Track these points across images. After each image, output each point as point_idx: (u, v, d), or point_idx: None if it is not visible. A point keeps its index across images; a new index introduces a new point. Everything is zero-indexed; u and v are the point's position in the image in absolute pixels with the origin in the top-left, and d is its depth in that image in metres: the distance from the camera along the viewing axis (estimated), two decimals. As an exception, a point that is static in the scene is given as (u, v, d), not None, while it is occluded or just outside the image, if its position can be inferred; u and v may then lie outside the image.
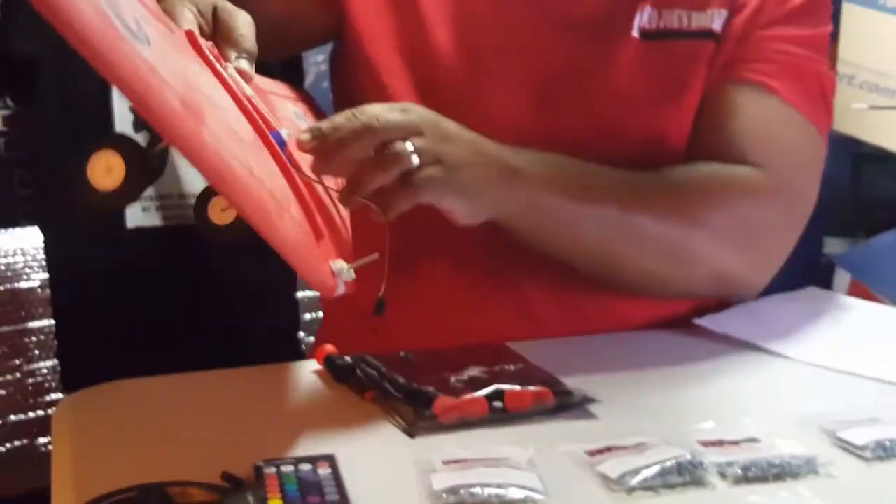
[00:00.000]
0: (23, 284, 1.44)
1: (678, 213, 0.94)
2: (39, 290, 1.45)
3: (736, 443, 0.71)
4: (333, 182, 0.78)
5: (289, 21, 1.07)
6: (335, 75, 1.12)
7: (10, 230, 1.45)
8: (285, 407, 0.77)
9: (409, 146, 0.78)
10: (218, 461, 0.64)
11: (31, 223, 1.47)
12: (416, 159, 0.78)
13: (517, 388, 0.76)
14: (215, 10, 0.84)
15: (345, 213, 0.81)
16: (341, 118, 0.78)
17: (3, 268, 1.42)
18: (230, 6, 0.85)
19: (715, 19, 0.97)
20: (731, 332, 0.95)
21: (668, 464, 0.66)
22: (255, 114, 0.71)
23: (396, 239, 1.06)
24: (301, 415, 0.75)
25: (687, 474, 0.66)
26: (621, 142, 0.97)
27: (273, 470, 0.64)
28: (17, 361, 1.44)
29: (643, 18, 0.97)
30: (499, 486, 0.62)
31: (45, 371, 1.47)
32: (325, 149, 0.76)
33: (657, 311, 1.01)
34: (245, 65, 0.79)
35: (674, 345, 0.95)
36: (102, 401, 0.78)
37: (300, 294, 1.59)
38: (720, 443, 0.71)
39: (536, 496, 0.62)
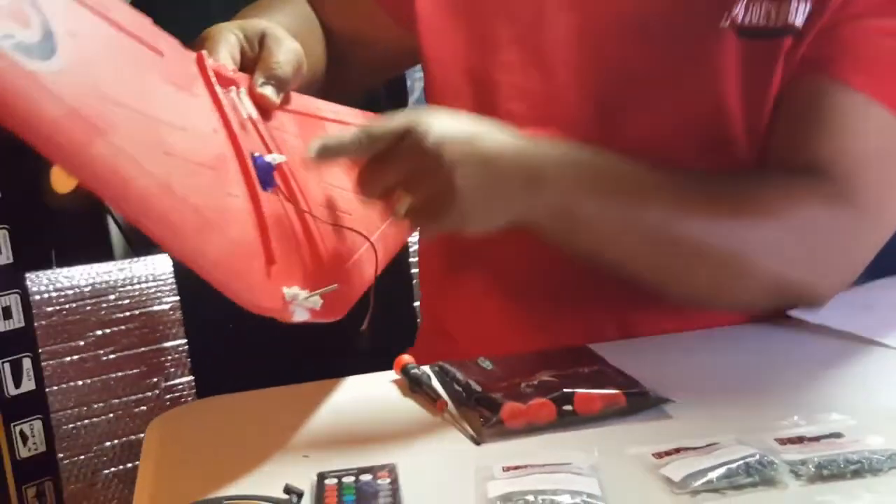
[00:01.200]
0: (156, 308, 1.51)
1: (732, 219, 0.86)
2: (171, 312, 1.53)
3: (817, 439, 0.68)
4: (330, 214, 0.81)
5: (373, 44, 1.09)
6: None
7: (144, 259, 1.53)
8: (359, 417, 0.78)
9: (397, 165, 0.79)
10: (290, 473, 0.66)
11: (161, 251, 1.54)
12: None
13: (587, 391, 0.75)
14: (263, 37, 0.86)
15: (349, 244, 0.83)
16: (348, 138, 0.79)
17: (139, 294, 1.49)
18: (280, 34, 0.86)
19: (798, 13, 0.88)
20: (829, 322, 0.90)
21: (736, 464, 0.64)
22: (239, 137, 0.74)
23: (441, 258, 1.07)
24: (373, 424, 0.76)
25: (756, 474, 0.63)
26: (693, 149, 0.91)
27: (334, 480, 0.65)
28: (156, 379, 1.52)
29: (736, 13, 0.89)
30: (553, 492, 0.62)
31: (181, 386, 1.54)
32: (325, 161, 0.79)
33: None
34: (269, 91, 0.82)
35: (765, 339, 0.91)
36: (191, 418, 0.82)
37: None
38: (799, 440, 0.69)
39: (593, 502, 0.61)
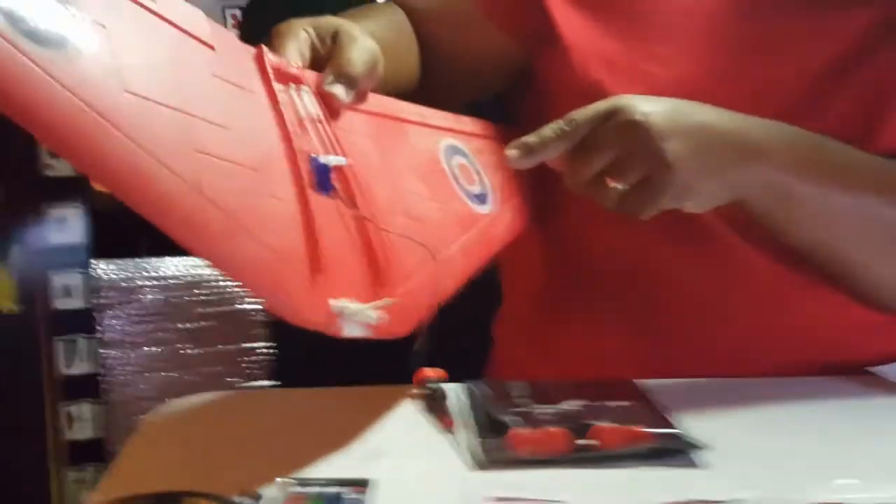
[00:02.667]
0: (242, 307, 1.50)
1: None
2: (255, 313, 1.51)
3: (859, 509, 0.59)
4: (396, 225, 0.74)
5: (474, 58, 1.04)
6: (514, 101, 1.08)
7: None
8: (361, 428, 0.72)
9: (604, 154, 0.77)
10: (259, 477, 0.61)
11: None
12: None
13: (609, 424, 0.67)
14: (336, 34, 0.81)
15: (418, 257, 0.75)
16: (548, 130, 0.78)
17: (226, 291, 1.48)
18: (355, 33, 0.81)
19: None
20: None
21: (750, 525, 0.55)
22: (294, 137, 0.67)
23: (544, 284, 1.01)
24: (370, 437, 0.71)
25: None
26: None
27: (298, 489, 0.60)
28: (235, 379, 1.50)
29: None
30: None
31: (261, 389, 1.52)
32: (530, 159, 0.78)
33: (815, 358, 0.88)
34: (337, 89, 0.75)
35: (834, 393, 0.81)
36: (187, 412, 0.78)
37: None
38: (837, 507, 0.59)
39: (573, 547, 0.54)
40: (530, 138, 0.78)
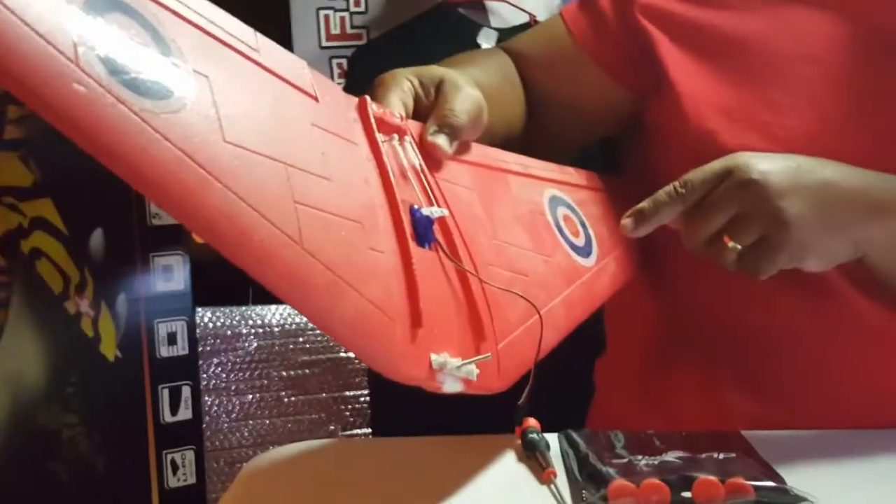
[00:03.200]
0: (343, 354, 1.51)
1: None
2: (357, 361, 1.52)
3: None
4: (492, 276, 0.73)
5: (581, 105, 1.03)
6: (624, 149, 1.07)
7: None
8: (459, 479, 0.72)
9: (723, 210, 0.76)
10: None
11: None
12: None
13: (711, 477, 0.66)
14: (441, 84, 0.81)
15: (520, 310, 0.74)
16: (663, 194, 0.77)
17: (328, 339, 1.49)
18: (459, 82, 0.80)
19: None
20: None
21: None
22: (396, 188, 0.67)
23: (655, 335, 1.00)
24: (469, 488, 0.70)
25: None
26: None
27: (396, 540, 0.59)
28: (334, 427, 1.51)
29: None
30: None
31: (359, 436, 1.52)
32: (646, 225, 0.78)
33: None
34: (441, 139, 0.75)
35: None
36: (282, 463, 0.78)
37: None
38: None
39: None
40: (645, 205, 0.78)
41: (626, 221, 0.78)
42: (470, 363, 0.63)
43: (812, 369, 0.88)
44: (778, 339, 0.88)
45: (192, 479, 1.21)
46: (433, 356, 0.61)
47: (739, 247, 0.77)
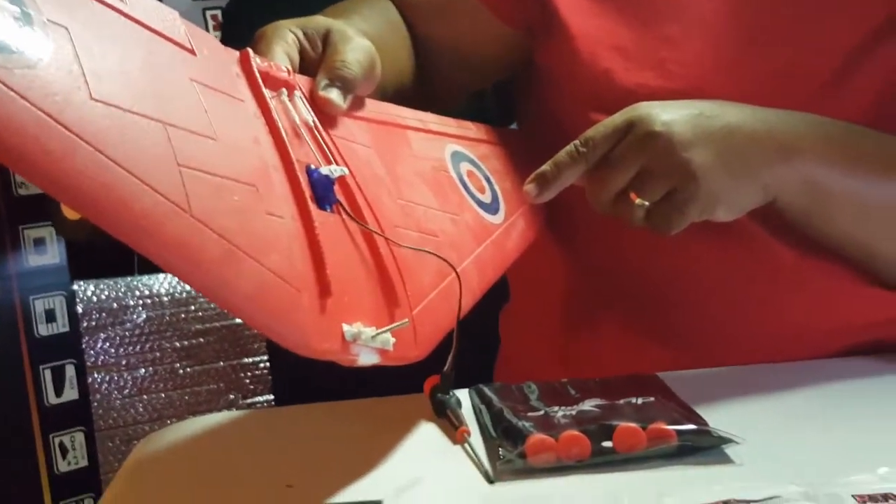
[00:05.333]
0: (238, 321, 1.45)
1: None
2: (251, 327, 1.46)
3: (906, 498, 0.55)
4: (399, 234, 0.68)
5: (472, 51, 0.98)
6: (521, 100, 1.03)
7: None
8: (369, 444, 0.68)
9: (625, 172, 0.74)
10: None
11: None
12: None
13: (631, 424, 0.63)
14: (327, 35, 0.75)
15: (433, 273, 0.70)
16: (563, 155, 0.74)
17: (221, 304, 1.44)
18: (348, 32, 0.75)
19: None
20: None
21: (792, 525, 0.51)
22: (290, 147, 0.61)
23: (561, 288, 0.97)
24: (378, 453, 0.66)
25: (817, 539, 0.51)
26: None
27: (304, 517, 0.55)
28: (233, 396, 1.45)
29: None
30: (555, 546, 0.50)
31: (260, 405, 1.47)
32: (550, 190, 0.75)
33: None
34: (333, 94, 0.69)
35: (866, 373, 0.77)
36: (181, 437, 0.73)
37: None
38: (884, 498, 0.55)
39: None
40: (546, 168, 0.74)
41: (530, 187, 0.75)
42: (385, 332, 0.59)
43: (725, 313, 0.86)
44: (689, 284, 0.87)
45: (83, 462, 1.14)
46: (345, 327, 0.57)
47: (647, 203, 0.74)
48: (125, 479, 0.65)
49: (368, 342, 0.57)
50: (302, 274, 0.56)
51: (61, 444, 1.14)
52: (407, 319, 0.62)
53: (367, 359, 0.58)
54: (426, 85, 0.98)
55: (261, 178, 0.58)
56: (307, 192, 0.60)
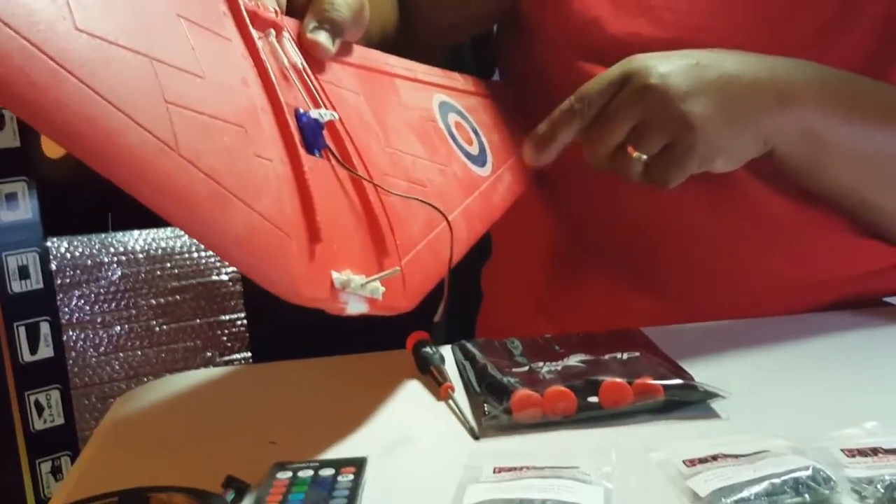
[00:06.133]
0: (215, 278, 1.43)
1: None
2: (231, 284, 1.45)
3: (894, 452, 0.54)
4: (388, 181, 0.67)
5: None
6: (506, 53, 1.01)
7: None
8: (350, 400, 0.67)
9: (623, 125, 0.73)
10: (246, 463, 0.56)
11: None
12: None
13: (617, 379, 0.62)
14: None
15: (422, 221, 0.69)
16: (559, 113, 0.74)
17: (197, 263, 1.42)
18: None
19: None
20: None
21: (781, 479, 0.51)
22: (278, 89, 0.59)
23: (547, 244, 0.96)
24: (363, 409, 0.65)
25: (806, 493, 0.50)
26: None
27: (288, 474, 0.54)
28: (211, 353, 1.44)
29: None
30: (543, 502, 0.49)
31: (238, 362, 1.46)
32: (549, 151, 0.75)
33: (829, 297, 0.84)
34: (321, 37, 0.67)
35: (852, 327, 0.77)
36: (162, 394, 0.72)
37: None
38: (873, 452, 0.55)
39: (589, 517, 0.49)
40: (542, 127, 0.74)
41: (528, 150, 0.74)
42: (375, 280, 0.57)
43: (713, 264, 0.86)
44: (677, 235, 0.86)
45: (59, 420, 1.13)
46: (335, 274, 0.56)
47: (645, 157, 0.73)
48: (102, 437, 0.64)
49: (357, 290, 0.56)
50: (291, 219, 0.55)
51: (37, 402, 1.12)
52: (398, 268, 0.61)
53: (355, 307, 0.57)
54: (408, 34, 0.96)
55: (249, 119, 0.56)
56: (296, 136, 0.59)
